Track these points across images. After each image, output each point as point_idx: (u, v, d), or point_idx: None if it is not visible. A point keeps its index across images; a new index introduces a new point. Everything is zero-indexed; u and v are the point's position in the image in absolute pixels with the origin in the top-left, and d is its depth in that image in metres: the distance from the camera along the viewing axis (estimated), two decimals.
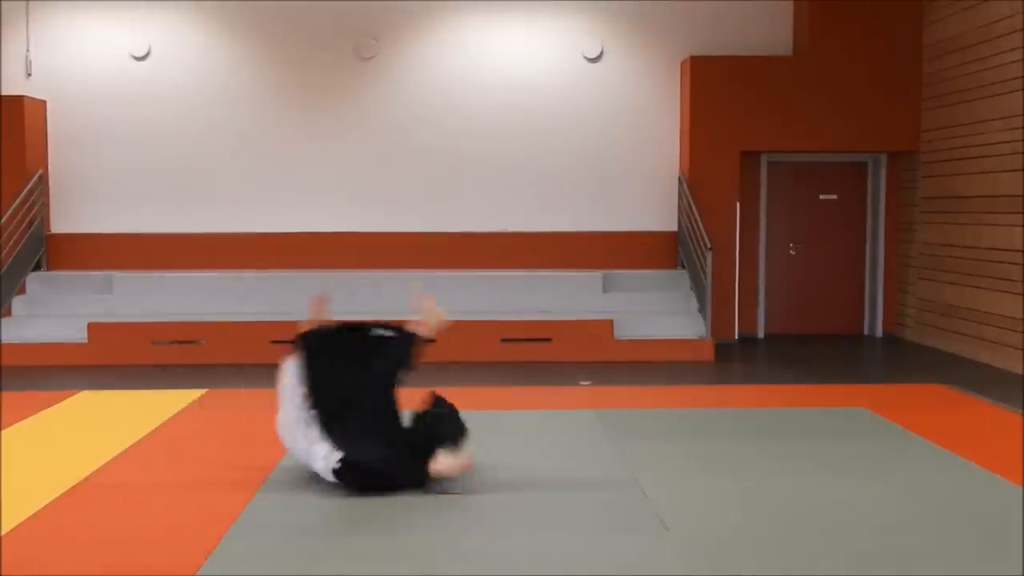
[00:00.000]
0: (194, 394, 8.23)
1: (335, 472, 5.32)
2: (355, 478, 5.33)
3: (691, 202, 11.37)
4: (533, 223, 11.96)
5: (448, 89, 11.99)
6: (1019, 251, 9.63)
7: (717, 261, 11.13)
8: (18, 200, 11.13)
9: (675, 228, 11.99)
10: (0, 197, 11.16)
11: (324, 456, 5.37)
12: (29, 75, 11.79)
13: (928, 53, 11.53)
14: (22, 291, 11.29)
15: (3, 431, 6.88)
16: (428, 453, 5.39)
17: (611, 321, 10.66)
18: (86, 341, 10.47)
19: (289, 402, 5.63)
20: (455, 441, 5.45)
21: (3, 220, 10.90)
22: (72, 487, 5.58)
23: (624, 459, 6.09)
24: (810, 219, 12.45)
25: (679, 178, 11.88)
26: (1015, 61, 9.73)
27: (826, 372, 9.86)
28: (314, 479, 5.54)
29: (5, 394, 8.26)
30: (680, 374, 9.71)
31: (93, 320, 10.57)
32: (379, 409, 5.49)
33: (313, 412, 5.47)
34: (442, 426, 5.46)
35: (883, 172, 12.25)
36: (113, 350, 10.41)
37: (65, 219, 11.88)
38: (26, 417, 7.35)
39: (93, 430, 6.99)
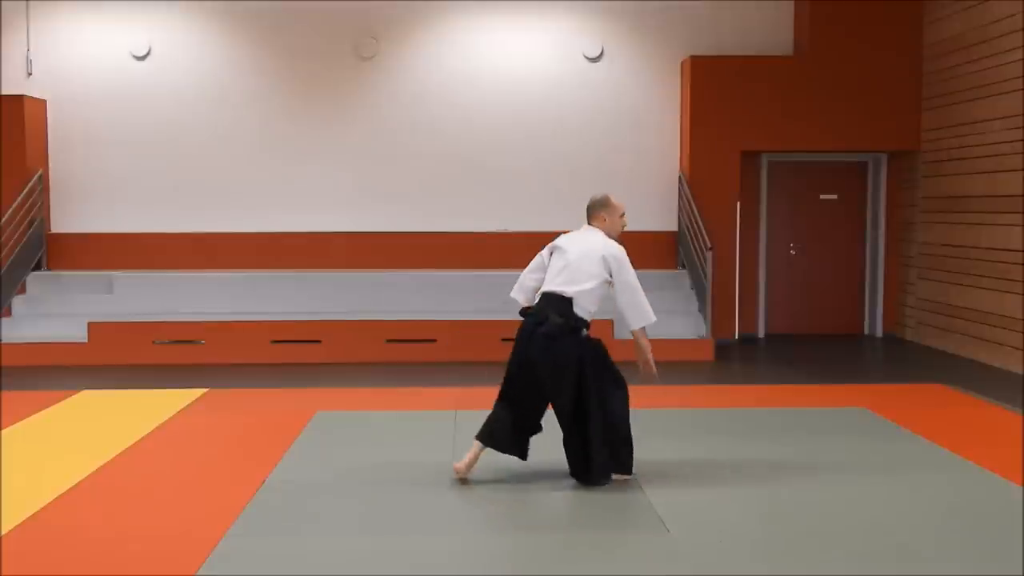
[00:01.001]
0: (194, 394, 8.24)
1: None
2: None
3: (691, 202, 11.37)
4: (533, 223, 11.95)
5: (448, 88, 11.99)
6: (1019, 251, 9.63)
7: (717, 261, 11.13)
8: (18, 200, 11.13)
9: (675, 228, 11.99)
10: (0, 197, 11.17)
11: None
12: (29, 75, 11.78)
13: (928, 53, 11.53)
14: (22, 291, 11.28)
15: (3, 431, 6.89)
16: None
17: (611, 321, 10.64)
18: (86, 341, 10.47)
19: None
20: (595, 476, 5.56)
21: (3, 220, 10.90)
22: (72, 487, 5.58)
23: None
24: (810, 219, 12.45)
25: (679, 178, 11.88)
26: (1015, 61, 9.73)
27: (826, 372, 9.86)
28: (314, 481, 5.53)
29: (5, 394, 8.27)
30: (680, 374, 9.70)
31: (93, 320, 10.57)
32: None
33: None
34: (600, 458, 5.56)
35: (883, 172, 12.25)
36: (113, 350, 10.41)
37: (65, 219, 11.88)
38: (26, 417, 7.36)
39: (93, 430, 6.99)
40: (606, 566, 4.40)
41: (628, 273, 5.61)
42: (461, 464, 5.65)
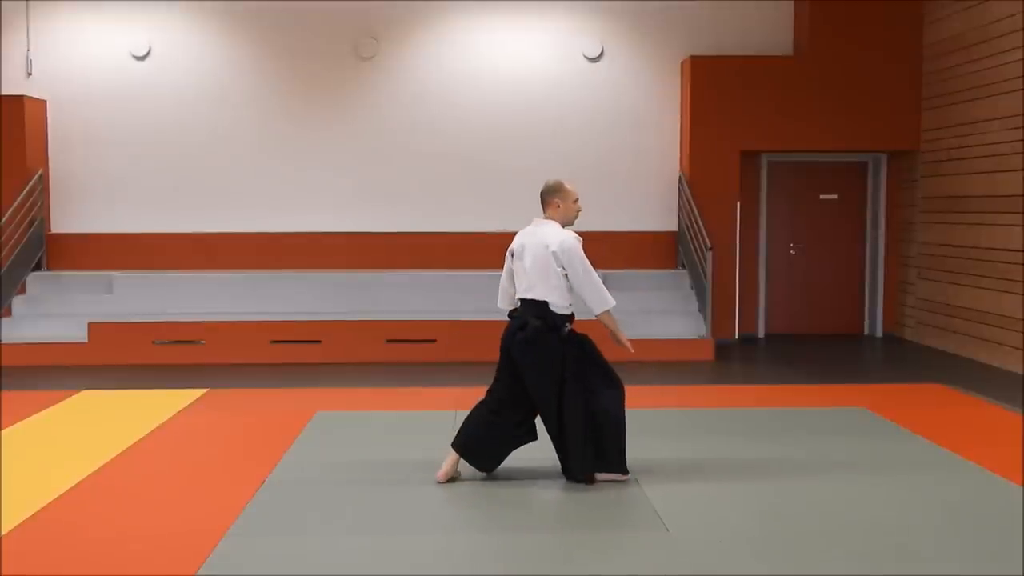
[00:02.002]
0: (194, 394, 8.24)
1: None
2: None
3: (691, 202, 11.37)
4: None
5: (448, 88, 11.99)
6: (1019, 251, 9.63)
7: (717, 261, 11.13)
8: (18, 200, 11.13)
9: (675, 228, 11.99)
10: (0, 197, 11.17)
11: None
12: (29, 75, 11.79)
13: (928, 53, 11.53)
14: (22, 291, 11.28)
15: (3, 431, 6.89)
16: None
17: None
18: (86, 341, 10.47)
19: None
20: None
21: (3, 220, 10.90)
22: (72, 487, 5.58)
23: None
24: (810, 219, 12.45)
25: (679, 178, 11.88)
26: (1015, 61, 9.73)
27: (826, 372, 9.86)
28: (314, 481, 5.53)
29: (5, 394, 8.27)
30: (680, 374, 9.71)
31: (93, 320, 10.57)
32: None
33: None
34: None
35: (883, 172, 12.25)
36: (113, 350, 10.41)
37: (65, 219, 11.88)
38: (26, 417, 7.36)
39: (93, 430, 6.99)
40: (605, 565, 4.40)
41: (579, 262, 5.56)
42: (441, 474, 5.66)
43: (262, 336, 10.53)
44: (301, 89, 11.96)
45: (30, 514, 5.10)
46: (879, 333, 12.29)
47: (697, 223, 11.14)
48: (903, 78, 11.64)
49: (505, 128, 12.02)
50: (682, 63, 11.95)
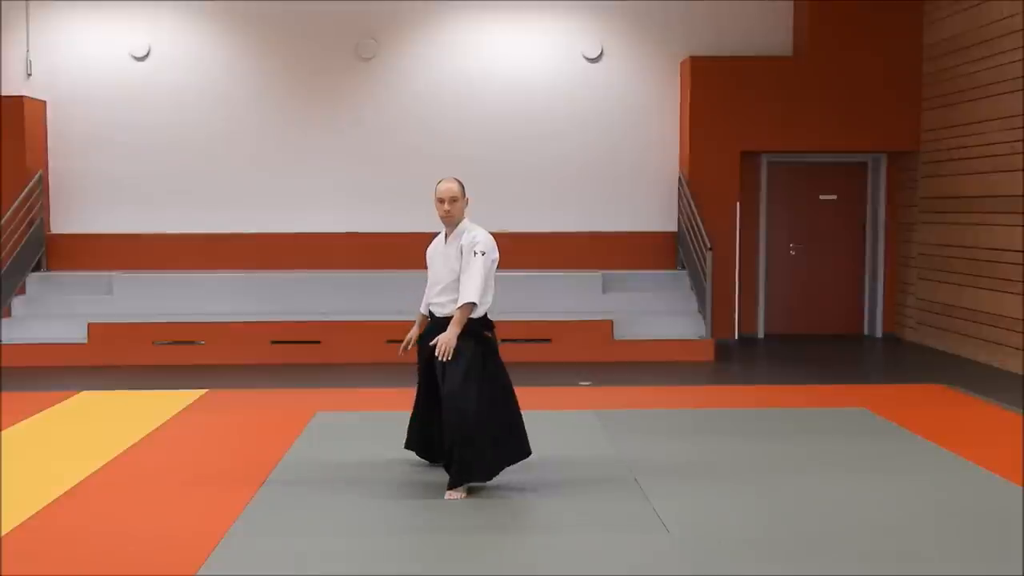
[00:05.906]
0: (194, 394, 8.24)
1: None
2: None
3: (691, 202, 11.37)
4: (533, 223, 11.95)
5: (448, 89, 11.99)
6: (1019, 251, 9.64)
7: (717, 261, 11.13)
8: (18, 200, 11.13)
9: (675, 228, 11.99)
10: (0, 197, 11.17)
11: None
12: (29, 75, 11.79)
13: (928, 53, 11.53)
14: (22, 291, 11.29)
15: (3, 431, 6.89)
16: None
17: (611, 321, 10.66)
18: (86, 341, 10.47)
19: None
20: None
21: (3, 220, 10.90)
22: (72, 487, 5.58)
23: (624, 459, 6.10)
24: (810, 219, 12.45)
25: (679, 178, 11.88)
26: (1015, 61, 9.73)
27: (826, 372, 9.86)
28: (314, 481, 5.54)
29: (5, 394, 8.26)
30: (680, 374, 9.71)
31: (93, 320, 10.57)
32: None
33: None
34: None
35: (883, 172, 12.25)
36: (113, 350, 10.41)
37: (65, 219, 11.88)
38: (26, 417, 7.36)
39: (93, 430, 6.99)
40: (606, 566, 4.40)
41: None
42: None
43: (262, 336, 10.54)
44: (301, 89, 11.96)
45: (30, 514, 5.10)
46: (879, 333, 12.29)
47: (697, 223, 11.14)
48: (903, 78, 11.64)
49: (505, 128, 12.02)
50: (682, 63, 11.95)
